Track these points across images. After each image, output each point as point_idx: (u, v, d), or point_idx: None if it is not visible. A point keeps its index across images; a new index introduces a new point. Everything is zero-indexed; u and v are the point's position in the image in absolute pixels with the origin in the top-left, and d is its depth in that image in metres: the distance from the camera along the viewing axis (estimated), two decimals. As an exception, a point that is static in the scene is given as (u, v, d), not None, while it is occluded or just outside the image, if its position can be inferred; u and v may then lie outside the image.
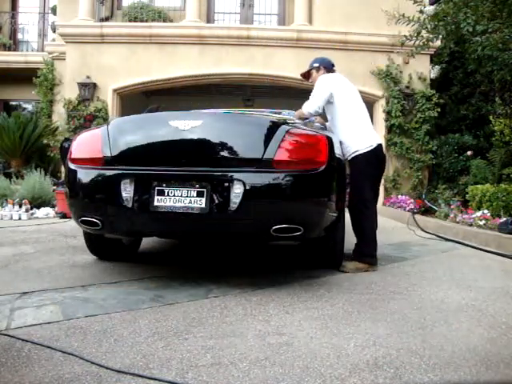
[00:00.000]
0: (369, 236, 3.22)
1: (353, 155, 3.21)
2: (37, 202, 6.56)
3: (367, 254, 3.18)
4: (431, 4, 6.30)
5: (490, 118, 7.22)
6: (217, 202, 2.47)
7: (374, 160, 3.25)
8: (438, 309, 2.33)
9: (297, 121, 3.16)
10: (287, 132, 2.56)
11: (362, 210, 3.21)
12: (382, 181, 8.26)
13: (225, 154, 2.57)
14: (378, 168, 3.35)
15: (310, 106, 3.25)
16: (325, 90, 3.22)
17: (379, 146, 3.30)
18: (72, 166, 2.74)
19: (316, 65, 3.46)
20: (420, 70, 8.51)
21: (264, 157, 2.48)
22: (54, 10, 10.83)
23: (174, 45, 8.46)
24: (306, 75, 3.54)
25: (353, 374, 1.56)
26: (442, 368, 1.62)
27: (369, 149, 3.21)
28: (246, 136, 2.62)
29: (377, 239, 3.26)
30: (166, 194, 2.51)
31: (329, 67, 3.45)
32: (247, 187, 2.43)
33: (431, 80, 8.82)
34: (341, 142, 3.16)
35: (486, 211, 5.14)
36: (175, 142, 2.62)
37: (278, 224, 2.44)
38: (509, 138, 6.73)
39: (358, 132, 3.23)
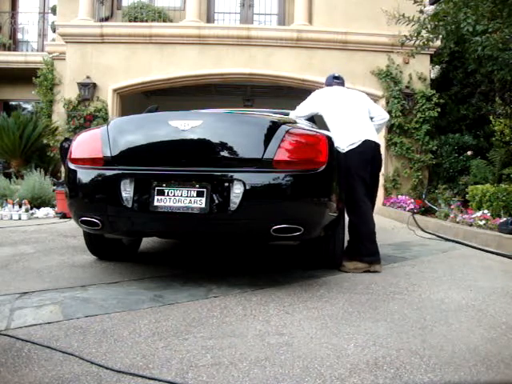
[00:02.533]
0: (364, 235, 3.19)
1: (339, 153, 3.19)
2: (37, 202, 6.55)
3: (365, 253, 3.16)
4: (431, 4, 6.28)
5: (490, 118, 7.22)
6: (217, 202, 2.47)
7: (356, 158, 3.16)
8: (438, 309, 2.33)
9: (298, 120, 3.18)
10: (287, 132, 2.56)
11: (353, 209, 3.19)
12: (382, 181, 8.34)
13: (225, 153, 2.57)
14: (363, 166, 3.20)
15: (293, 113, 3.58)
16: (309, 104, 3.50)
17: (364, 143, 3.19)
18: (72, 166, 2.74)
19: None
20: (420, 70, 8.50)
21: (264, 157, 2.48)
22: (53, 10, 10.83)
23: (173, 45, 8.45)
24: None
25: (353, 374, 1.56)
26: (442, 368, 1.63)
27: (350, 147, 3.17)
28: (246, 136, 2.62)
29: (376, 239, 3.24)
30: (165, 193, 2.51)
31: (327, 82, 3.68)
32: (247, 187, 2.43)
33: (431, 80, 8.81)
34: None
35: (486, 211, 5.14)
36: (175, 141, 2.61)
37: (278, 224, 2.44)
38: (509, 137, 6.73)
39: (340, 131, 3.23)
